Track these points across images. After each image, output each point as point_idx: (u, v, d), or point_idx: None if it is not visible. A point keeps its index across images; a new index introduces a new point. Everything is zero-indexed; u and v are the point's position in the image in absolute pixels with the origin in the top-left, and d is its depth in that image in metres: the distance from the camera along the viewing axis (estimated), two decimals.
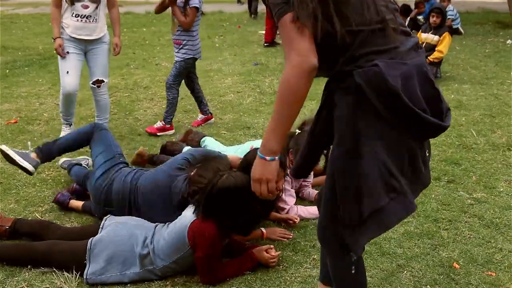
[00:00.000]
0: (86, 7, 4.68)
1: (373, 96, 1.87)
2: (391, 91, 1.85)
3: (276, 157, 1.93)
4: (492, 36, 11.88)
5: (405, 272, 2.97)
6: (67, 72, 4.80)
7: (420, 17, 11.79)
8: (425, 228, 3.45)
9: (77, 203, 3.72)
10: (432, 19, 7.75)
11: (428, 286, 2.84)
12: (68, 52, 4.75)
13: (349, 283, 2.22)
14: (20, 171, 4.40)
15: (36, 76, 8.13)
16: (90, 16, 4.73)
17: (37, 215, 3.64)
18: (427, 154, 2.15)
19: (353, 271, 2.15)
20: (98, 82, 5.00)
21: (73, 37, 4.75)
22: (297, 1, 1.78)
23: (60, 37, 4.74)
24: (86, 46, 4.85)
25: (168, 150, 4.44)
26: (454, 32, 10.89)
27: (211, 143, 4.50)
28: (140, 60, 9.19)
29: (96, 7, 4.74)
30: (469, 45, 10.62)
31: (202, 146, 4.48)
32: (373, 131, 1.91)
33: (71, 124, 5.15)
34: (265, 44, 10.45)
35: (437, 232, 3.41)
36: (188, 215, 2.88)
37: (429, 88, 1.97)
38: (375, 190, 1.93)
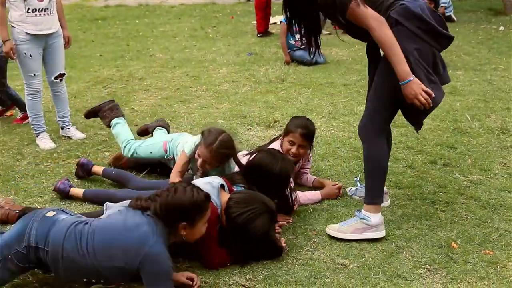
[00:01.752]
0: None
1: (407, 22, 2.84)
2: (416, 15, 2.85)
3: (413, 76, 2.80)
4: (485, 23, 11.92)
5: (404, 252, 3.02)
6: (34, 74, 4.63)
7: None
8: (423, 210, 3.49)
9: (78, 191, 3.73)
10: None
11: (427, 265, 2.89)
12: (30, 55, 4.54)
13: (377, 167, 3.12)
14: (18, 162, 4.46)
15: None
16: (47, 8, 4.51)
17: (37, 205, 3.65)
18: (443, 59, 3.10)
19: (380, 158, 3.11)
20: (61, 76, 4.87)
21: (34, 35, 4.50)
22: None
23: (10, 40, 4.47)
24: (46, 42, 4.63)
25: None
26: (447, 19, 10.90)
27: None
28: (134, 52, 9.18)
29: None
30: (462, 32, 10.65)
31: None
32: (412, 46, 2.85)
33: (44, 130, 4.93)
34: (258, 35, 10.45)
35: (434, 213, 3.45)
36: None
37: (436, 16, 2.97)
38: (423, 83, 2.83)
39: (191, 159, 3.51)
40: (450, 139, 4.74)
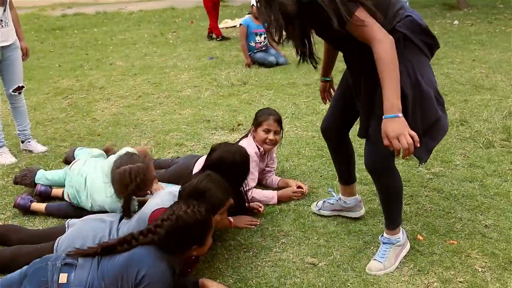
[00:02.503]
0: None
1: (415, 37, 2.54)
2: (423, 28, 2.55)
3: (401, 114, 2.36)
4: (440, 18, 12.18)
5: (371, 248, 3.06)
6: None
7: None
8: None
9: (39, 206, 3.66)
10: None
11: None
12: None
13: (397, 194, 2.88)
14: None
15: None
16: (1, 20, 4.40)
17: None
18: None
19: (399, 184, 2.85)
20: (19, 89, 4.74)
21: None
22: None
23: None
24: (2, 54, 4.50)
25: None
26: None
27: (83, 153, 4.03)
28: (93, 61, 9.06)
29: (4, 10, 4.42)
30: None
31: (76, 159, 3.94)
32: (420, 63, 2.56)
33: (4, 145, 4.79)
34: (218, 39, 10.46)
35: None
36: (149, 204, 2.89)
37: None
38: (435, 108, 2.58)
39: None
40: None
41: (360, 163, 4.15)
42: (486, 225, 3.25)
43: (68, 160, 4.17)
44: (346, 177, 3.30)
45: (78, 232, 2.97)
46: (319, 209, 3.46)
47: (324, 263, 2.92)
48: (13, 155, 4.77)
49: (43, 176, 3.91)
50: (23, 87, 4.81)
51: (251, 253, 3.06)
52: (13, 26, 4.58)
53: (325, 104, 3.46)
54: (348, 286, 2.72)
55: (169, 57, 9.00)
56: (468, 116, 5.19)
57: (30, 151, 4.92)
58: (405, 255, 2.95)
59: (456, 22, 11.30)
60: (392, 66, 2.35)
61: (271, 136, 3.72)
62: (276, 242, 3.15)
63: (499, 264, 2.85)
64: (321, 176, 4.02)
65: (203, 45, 9.98)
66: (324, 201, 3.47)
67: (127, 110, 6.02)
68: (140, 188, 3.08)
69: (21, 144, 5.00)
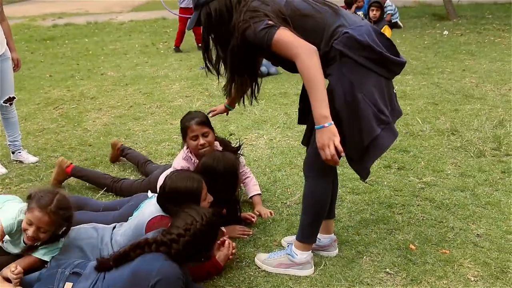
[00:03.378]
0: None
1: (353, 53, 2.50)
2: (363, 44, 2.49)
3: (332, 122, 2.39)
4: (430, 28, 12.28)
5: (364, 257, 3.06)
6: None
7: (359, 12, 12.05)
8: (380, 214, 3.55)
9: None
10: (372, 13, 7.97)
11: (387, 268, 2.93)
12: None
13: (311, 205, 2.83)
14: None
15: None
16: None
17: None
18: (394, 91, 2.77)
19: (317, 197, 2.79)
20: (10, 100, 4.73)
21: None
22: (276, 20, 2.48)
23: None
24: None
25: None
26: (393, 26, 11.20)
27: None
28: (84, 71, 9.04)
29: None
30: (408, 38, 10.95)
31: None
32: (360, 80, 2.52)
33: None
34: (174, 48, 10.65)
35: (391, 217, 3.52)
36: (145, 213, 2.89)
37: (384, 39, 2.60)
38: (371, 126, 2.55)
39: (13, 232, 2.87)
40: (403, 142, 4.84)
41: (351, 173, 4.18)
42: (478, 234, 3.27)
43: None
44: None
45: (71, 241, 2.96)
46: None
47: (317, 273, 2.92)
48: (3, 166, 4.74)
49: None
50: (14, 98, 4.79)
51: (244, 263, 3.04)
52: (4, 37, 4.57)
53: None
54: None
55: (161, 67, 9.00)
56: (458, 126, 5.22)
57: (21, 162, 4.88)
58: (396, 263, 2.96)
59: (446, 32, 11.40)
60: (313, 78, 2.38)
61: (201, 140, 3.44)
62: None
63: (492, 273, 2.86)
64: None
65: (194, 55, 9.98)
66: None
67: (118, 120, 6.00)
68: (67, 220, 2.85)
69: (11, 154, 4.96)
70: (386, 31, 7.92)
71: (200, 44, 10.51)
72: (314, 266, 2.96)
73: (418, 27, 12.46)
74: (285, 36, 2.44)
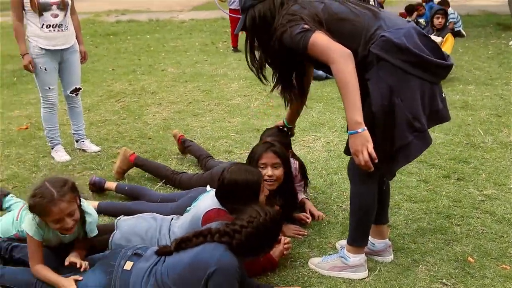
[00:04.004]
0: (56, 16, 4.51)
1: (390, 57, 2.46)
2: (400, 47, 2.44)
3: (365, 128, 2.39)
4: (494, 38, 11.93)
5: (420, 266, 3.01)
6: (49, 88, 4.69)
7: (421, 20, 11.87)
8: (438, 224, 3.49)
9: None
10: (437, 21, 7.84)
11: (444, 279, 2.88)
12: (45, 69, 4.61)
13: (359, 209, 2.82)
14: (34, 174, 4.50)
15: None
16: (61, 24, 4.57)
17: None
18: (443, 95, 2.67)
19: (364, 201, 2.78)
20: (76, 91, 4.93)
21: (49, 50, 4.57)
22: (312, 24, 2.50)
23: (27, 53, 4.57)
24: (61, 57, 4.69)
25: None
26: (456, 34, 10.95)
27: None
28: (146, 66, 9.26)
29: (65, 15, 4.59)
30: (471, 47, 10.68)
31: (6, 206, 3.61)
32: (399, 84, 2.48)
33: (60, 143, 4.99)
34: (232, 49, 10.68)
35: (450, 227, 3.45)
36: (202, 205, 2.96)
37: (429, 41, 2.54)
38: (403, 132, 2.52)
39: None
40: (463, 153, 4.73)
41: (408, 180, 4.12)
42: None
43: None
44: (377, 215, 2.92)
45: (131, 229, 3.07)
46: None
47: (371, 278, 2.90)
48: (67, 153, 4.92)
49: (8, 202, 3.57)
50: (80, 89, 4.97)
51: (297, 263, 3.06)
52: (73, 31, 4.75)
53: None
54: None
55: (220, 66, 9.11)
56: None
57: (84, 150, 5.06)
58: (453, 275, 2.90)
59: (511, 43, 11.04)
60: (347, 83, 2.37)
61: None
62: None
63: None
64: None
65: None
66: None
67: (177, 116, 6.12)
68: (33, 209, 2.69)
69: (75, 143, 5.15)
70: (449, 39, 7.78)
71: (235, 47, 10.63)
72: (369, 271, 2.94)
73: (482, 37, 12.13)
74: (320, 40, 2.45)
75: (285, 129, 3.57)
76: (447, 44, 7.69)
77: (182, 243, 2.57)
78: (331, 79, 7.75)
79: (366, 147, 2.39)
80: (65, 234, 2.81)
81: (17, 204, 3.51)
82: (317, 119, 5.84)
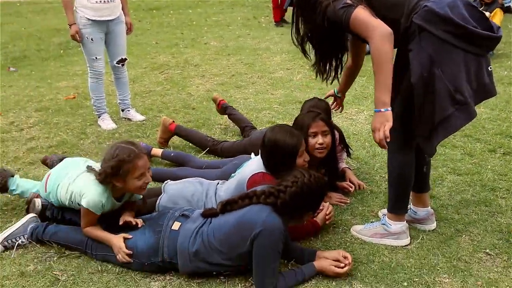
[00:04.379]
0: None
1: (432, 27, 2.42)
2: (443, 17, 2.39)
3: (389, 108, 2.43)
4: None
5: (463, 236, 3.01)
6: (95, 57, 4.82)
7: None
8: (482, 197, 3.46)
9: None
10: None
11: (487, 249, 2.87)
12: (92, 39, 4.73)
13: (396, 177, 2.84)
14: (82, 141, 4.65)
15: None
16: None
17: None
18: (490, 69, 2.60)
19: (399, 170, 2.81)
20: (122, 61, 5.05)
21: (95, 20, 4.69)
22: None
23: (75, 24, 4.70)
24: (107, 27, 4.80)
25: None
26: (506, 10, 10.62)
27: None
28: (188, 40, 9.34)
29: None
30: None
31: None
32: (440, 56, 2.45)
33: (106, 112, 5.14)
34: (275, 24, 10.61)
35: (494, 200, 3.42)
36: (247, 170, 3.02)
37: (475, 12, 2.48)
38: (444, 104, 2.49)
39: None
40: (510, 128, 4.65)
41: (452, 153, 4.09)
42: None
43: (47, 162, 3.79)
44: (418, 183, 2.98)
45: (178, 192, 3.16)
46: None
47: (413, 245, 2.91)
48: (113, 122, 5.05)
49: (14, 183, 3.39)
50: (126, 59, 5.08)
51: (340, 229, 3.10)
52: (119, 2, 4.83)
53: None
54: (438, 270, 2.70)
55: (262, 40, 9.12)
56: None
57: (129, 119, 5.19)
58: (497, 246, 2.89)
59: None
60: (382, 63, 2.40)
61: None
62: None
63: None
64: None
65: None
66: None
67: (220, 88, 6.18)
68: (117, 170, 2.74)
69: (121, 112, 5.28)
70: (497, 13, 7.56)
71: (277, 22, 10.58)
72: (411, 238, 2.96)
73: None
74: (361, 16, 2.45)
75: (337, 97, 3.62)
76: (495, 19, 7.47)
77: (228, 205, 2.64)
78: None
79: (383, 126, 2.43)
80: (141, 193, 2.90)
81: (23, 185, 3.40)
82: (360, 93, 5.81)
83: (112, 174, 2.75)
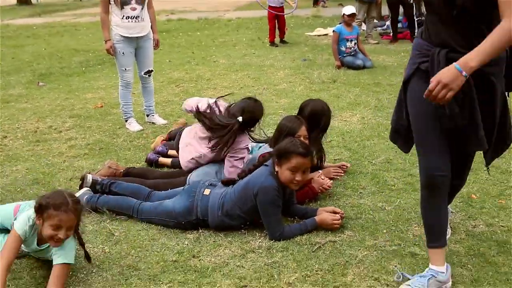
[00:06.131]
0: (134, 9, 5.47)
1: None
2: None
3: (468, 74, 2.25)
4: None
5: None
6: (125, 69, 5.67)
7: None
8: None
9: (165, 160, 4.68)
10: None
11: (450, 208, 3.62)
12: (123, 53, 5.58)
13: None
14: (115, 140, 5.44)
15: (109, 72, 9.18)
16: (138, 16, 5.51)
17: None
18: None
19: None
20: (149, 72, 5.87)
21: (127, 37, 5.52)
22: None
23: (110, 40, 5.56)
24: (137, 43, 5.62)
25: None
26: None
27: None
28: (199, 58, 10.20)
29: (142, 8, 5.53)
30: None
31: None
32: None
33: (132, 116, 5.89)
34: (269, 44, 11.57)
35: None
36: (260, 151, 3.94)
37: None
38: None
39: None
40: None
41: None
42: None
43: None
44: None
45: (204, 173, 3.98)
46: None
47: (392, 207, 3.68)
48: (140, 125, 5.86)
49: None
50: (152, 71, 5.92)
51: (334, 197, 3.88)
52: (149, 21, 5.70)
53: None
54: (411, 221, 3.48)
55: (266, 58, 9.98)
56: None
57: (153, 123, 6.00)
58: (460, 207, 3.65)
59: None
60: (503, 43, 2.23)
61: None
62: (355, 192, 3.96)
63: None
64: (396, 152, 4.72)
65: (297, 49, 10.90)
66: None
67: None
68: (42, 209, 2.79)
69: (146, 117, 6.10)
70: None
71: (283, 39, 11.47)
72: (391, 203, 3.74)
73: None
74: None
75: None
76: None
77: (243, 173, 3.52)
78: (367, 69, 8.53)
79: (453, 90, 2.26)
80: (53, 245, 2.83)
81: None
82: (353, 100, 6.62)
83: (37, 209, 2.82)
